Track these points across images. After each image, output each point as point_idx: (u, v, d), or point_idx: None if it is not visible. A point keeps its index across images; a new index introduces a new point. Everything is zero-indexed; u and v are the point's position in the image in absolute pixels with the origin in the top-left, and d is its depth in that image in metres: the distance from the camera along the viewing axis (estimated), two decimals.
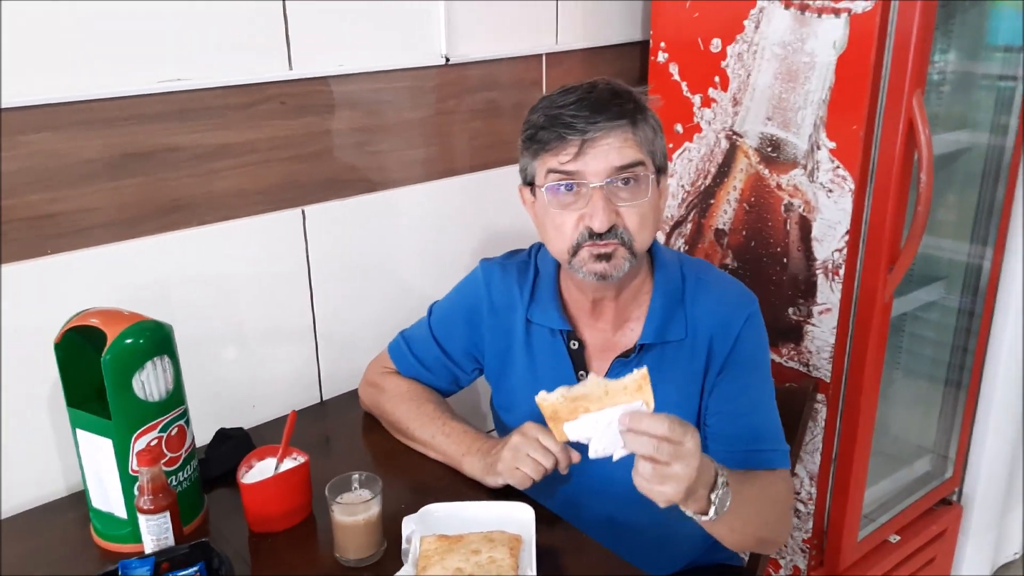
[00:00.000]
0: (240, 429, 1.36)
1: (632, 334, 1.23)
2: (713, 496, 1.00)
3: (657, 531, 1.29)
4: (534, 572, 1.05)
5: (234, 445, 1.32)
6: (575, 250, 1.14)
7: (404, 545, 1.11)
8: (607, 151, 1.09)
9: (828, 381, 1.65)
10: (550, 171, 1.13)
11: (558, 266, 1.27)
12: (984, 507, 2.10)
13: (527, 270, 1.30)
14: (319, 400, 1.59)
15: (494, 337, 1.32)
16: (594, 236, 1.11)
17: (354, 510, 1.09)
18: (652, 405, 0.95)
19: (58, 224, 1.24)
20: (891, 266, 1.55)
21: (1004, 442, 2.06)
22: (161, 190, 1.32)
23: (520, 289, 1.29)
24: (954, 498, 2.08)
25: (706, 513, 1.01)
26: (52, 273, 1.25)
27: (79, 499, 1.23)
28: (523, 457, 1.16)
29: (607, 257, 1.12)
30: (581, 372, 1.25)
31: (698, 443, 0.95)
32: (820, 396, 1.66)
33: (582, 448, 1.19)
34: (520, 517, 1.15)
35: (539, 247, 1.32)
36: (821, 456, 1.70)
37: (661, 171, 1.17)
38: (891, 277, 1.56)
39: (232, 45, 1.33)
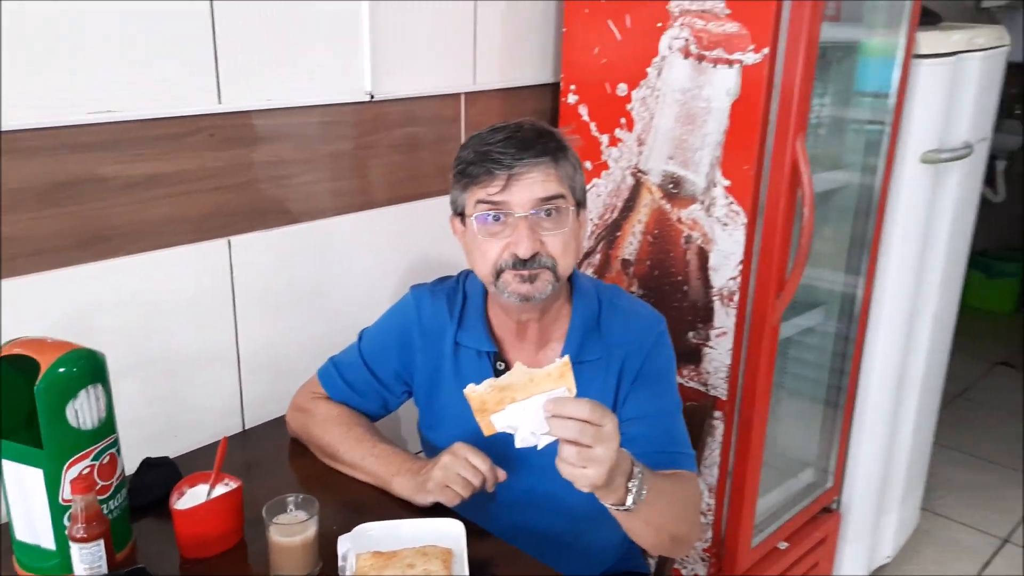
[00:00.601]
0: (166, 458, 1.37)
1: (553, 354, 1.32)
2: (631, 484, 1.06)
3: (575, 540, 1.38)
4: None
5: (160, 474, 1.33)
6: (499, 273, 1.23)
7: (340, 563, 1.16)
8: (531, 184, 1.19)
9: (725, 399, 1.78)
10: (479, 201, 1.22)
11: (485, 291, 1.35)
12: (860, 515, 2.28)
13: (456, 295, 1.38)
14: (242, 428, 1.60)
15: (424, 359, 1.38)
16: (518, 264, 1.20)
17: (291, 531, 1.13)
18: (574, 391, 1.00)
19: None
20: (779, 292, 1.70)
21: (876, 455, 2.25)
22: (90, 219, 1.32)
23: (449, 313, 1.36)
24: (834, 506, 2.26)
25: (624, 503, 1.07)
26: None
27: None
28: (453, 476, 1.23)
29: (531, 279, 1.21)
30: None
31: (617, 426, 1.01)
32: (718, 413, 1.80)
33: (508, 448, 1.26)
34: (451, 532, 1.21)
35: (467, 274, 1.40)
36: (719, 470, 1.83)
37: (581, 204, 1.27)
38: (779, 303, 1.71)
39: (163, 78, 1.35)
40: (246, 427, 1.60)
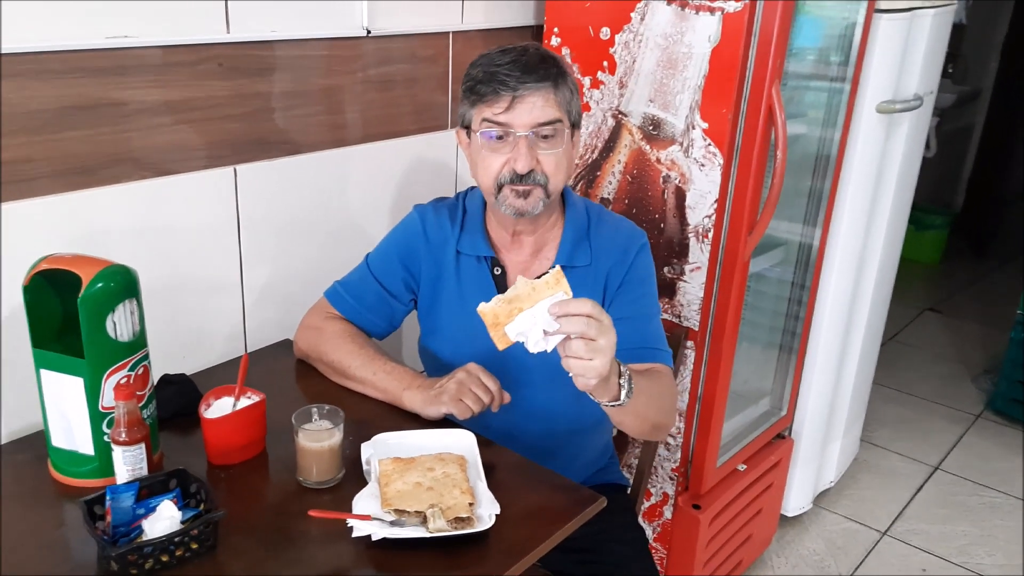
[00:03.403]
0: (183, 375, 1.42)
1: (547, 261, 1.46)
2: (622, 381, 1.19)
3: (561, 448, 1.51)
4: (484, 482, 1.21)
5: (178, 390, 1.38)
6: (499, 188, 1.35)
7: (365, 467, 1.24)
8: (532, 108, 1.31)
9: (696, 330, 1.91)
10: (484, 120, 1.33)
11: (484, 205, 1.47)
12: (809, 442, 2.47)
13: (456, 210, 1.50)
14: (245, 352, 1.65)
15: (429, 268, 1.49)
16: (516, 179, 1.33)
17: (319, 436, 1.21)
18: (571, 294, 1.12)
19: (5, 173, 1.25)
20: (751, 230, 1.82)
21: (824, 389, 2.43)
22: (103, 144, 1.35)
23: (451, 225, 1.48)
24: (787, 433, 2.43)
25: (618, 398, 1.19)
26: None
27: (24, 444, 1.27)
28: (467, 391, 1.32)
29: (525, 195, 1.34)
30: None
31: (611, 321, 1.12)
32: (690, 343, 1.92)
33: (508, 364, 1.35)
34: (462, 442, 1.31)
35: (466, 193, 1.52)
36: (688, 396, 1.96)
37: (575, 126, 1.39)
38: (750, 240, 1.83)
39: (176, 7, 1.37)
40: (248, 351, 1.65)
